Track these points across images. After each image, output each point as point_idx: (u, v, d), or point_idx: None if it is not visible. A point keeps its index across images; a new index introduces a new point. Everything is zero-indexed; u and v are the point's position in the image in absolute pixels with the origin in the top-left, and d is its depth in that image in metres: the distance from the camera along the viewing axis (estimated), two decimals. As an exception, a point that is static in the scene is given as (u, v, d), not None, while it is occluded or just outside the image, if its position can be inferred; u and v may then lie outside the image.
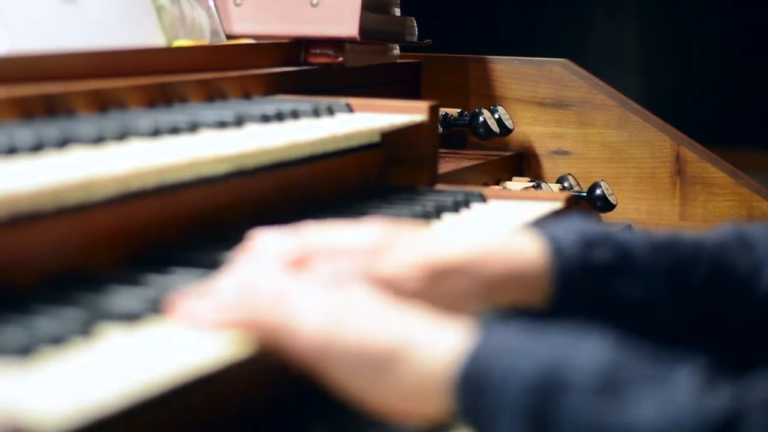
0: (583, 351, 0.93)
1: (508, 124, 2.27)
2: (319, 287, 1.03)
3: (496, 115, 2.25)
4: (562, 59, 2.35)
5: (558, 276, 1.13)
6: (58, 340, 0.97)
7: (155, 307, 1.07)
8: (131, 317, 1.04)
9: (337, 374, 1.00)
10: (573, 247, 1.13)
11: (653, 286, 1.14)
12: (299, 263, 1.10)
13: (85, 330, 1.00)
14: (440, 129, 1.95)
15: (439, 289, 1.10)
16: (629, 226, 2.22)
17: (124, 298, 1.08)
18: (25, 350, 0.94)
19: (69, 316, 1.02)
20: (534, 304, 1.13)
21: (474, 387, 0.94)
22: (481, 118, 2.22)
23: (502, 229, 1.51)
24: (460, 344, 0.96)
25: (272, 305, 1.02)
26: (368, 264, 1.10)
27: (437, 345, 0.97)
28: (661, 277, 1.15)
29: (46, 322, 1.00)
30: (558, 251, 1.13)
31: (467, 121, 2.23)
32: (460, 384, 0.95)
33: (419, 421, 0.99)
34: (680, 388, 0.89)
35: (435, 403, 0.97)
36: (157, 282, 1.15)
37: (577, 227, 1.16)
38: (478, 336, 0.96)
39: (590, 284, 1.13)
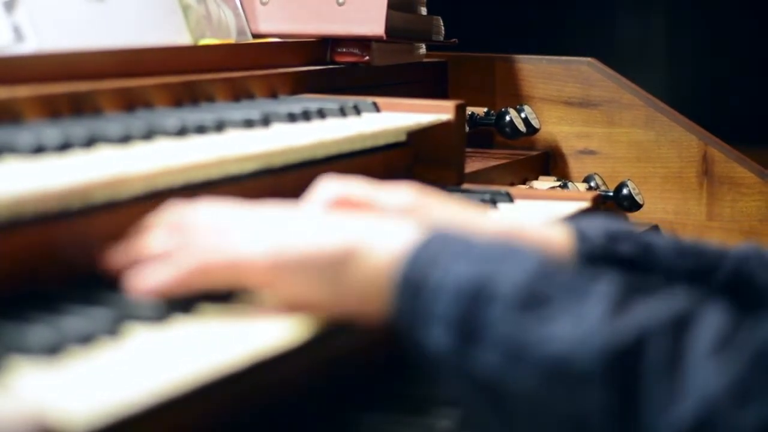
0: (513, 261, 0.99)
1: (535, 123, 2.26)
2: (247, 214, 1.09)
3: (523, 115, 2.24)
4: (589, 58, 2.33)
5: (582, 262, 1.17)
6: (86, 340, 0.97)
7: (183, 307, 1.07)
8: (159, 316, 1.04)
9: (294, 287, 1.05)
10: (598, 238, 1.18)
11: (674, 284, 1.16)
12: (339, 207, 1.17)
13: (113, 329, 1.00)
14: (467, 128, 1.94)
15: None
16: (655, 227, 2.21)
17: (152, 297, 1.08)
18: (53, 349, 0.94)
19: (96, 315, 1.02)
20: None
21: (411, 290, 1.00)
22: (507, 118, 2.21)
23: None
24: (403, 246, 1.01)
25: (215, 243, 1.06)
26: None
27: (383, 247, 1.03)
28: (682, 277, 1.18)
29: (74, 321, 1.00)
30: (584, 240, 1.18)
31: (493, 121, 2.22)
32: (399, 286, 1.00)
33: (372, 323, 1.05)
34: (595, 306, 0.94)
35: (382, 303, 1.02)
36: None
37: (602, 223, 1.21)
38: (420, 239, 1.02)
39: None
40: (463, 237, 1.03)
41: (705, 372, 0.91)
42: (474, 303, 0.97)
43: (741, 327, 0.94)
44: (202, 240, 1.07)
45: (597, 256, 1.18)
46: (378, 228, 1.05)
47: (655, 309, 0.94)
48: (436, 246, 1.01)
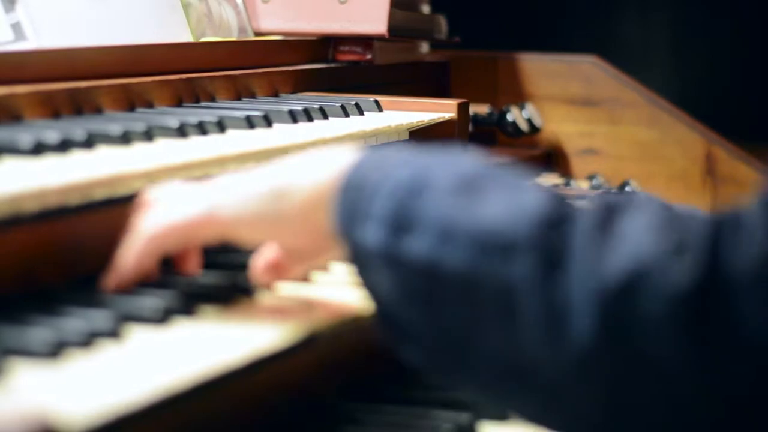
0: (453, 160, 0.99)
1: (537, 122, 2.25)
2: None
3: (525, 113, 2.23)
4: (592, 57, 2.33)
5: None
6: (86, 341, 0.96)
7: (184, 307, 1.06)
8: (160, 317, 1.03)
9: (240, 225, 1.06)
10: None
11: None
12: None
13: (114, 330, 0.99)
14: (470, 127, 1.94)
15: None
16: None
17: (152, 297, 1.07)
18: (53, 350, 0.93)
19: (96, 315, 1.01)
20: None
21: (350, 196, 0.98)
22: (510, 116, 2.20)
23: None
24: (346, 164, 1.00)
25: (156, 215, 1.09)
26: None
27: (322, 170, 1.02)
28: None
29: (74, 321, 0.99)
30: None
31: (496, 120, 2.21)
32: (339, 194, 0.99)
33: (320, 258, 1.08)
34: (531, 193, 0.94)
35: (329, 232, 1.01)
36: (184, 281, 1.14)
37: None
38: (361, 155, 1.01)
39: None
40: (412, 151, 1.02)
41: (638, 236, 0.90)
42: (408, 195, 0.95)
43: (677, 215, 0.93)
44: (147, 215, 1.10)
45: None
46: (317, 156, 1.04)
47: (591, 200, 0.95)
48: (377, 158, 1.01)
